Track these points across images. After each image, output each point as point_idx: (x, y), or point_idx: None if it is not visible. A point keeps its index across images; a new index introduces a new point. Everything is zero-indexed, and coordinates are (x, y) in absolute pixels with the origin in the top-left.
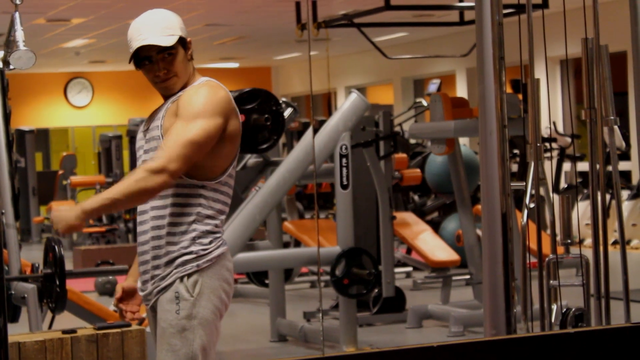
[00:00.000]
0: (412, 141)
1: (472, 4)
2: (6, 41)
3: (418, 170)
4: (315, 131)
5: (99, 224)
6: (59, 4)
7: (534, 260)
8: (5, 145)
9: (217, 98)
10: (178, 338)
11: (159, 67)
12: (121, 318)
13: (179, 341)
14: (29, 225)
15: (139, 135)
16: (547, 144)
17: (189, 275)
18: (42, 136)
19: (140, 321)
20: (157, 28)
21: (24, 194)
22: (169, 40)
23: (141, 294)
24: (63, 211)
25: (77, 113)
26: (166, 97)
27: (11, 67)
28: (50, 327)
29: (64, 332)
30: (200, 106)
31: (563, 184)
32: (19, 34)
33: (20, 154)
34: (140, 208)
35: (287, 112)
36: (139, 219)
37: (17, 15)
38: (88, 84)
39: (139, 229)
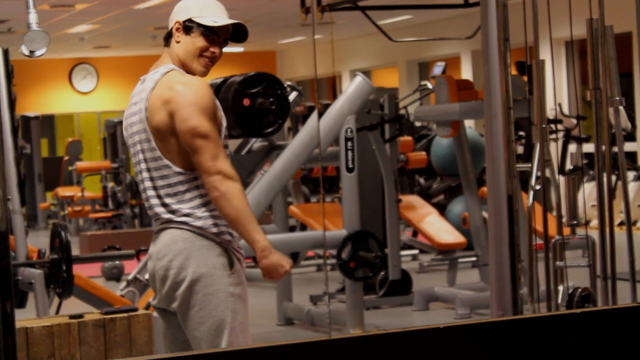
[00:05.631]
0: (418, 124)
1: None
2: None
3: (423, 153)
4: (320, 115)
5: (105, 209)
6: None
7: (540, 241)
8: (11, 132)
9: None
10: None
11: (220, 49)
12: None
13: None
14: (35, 211)
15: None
16: (553, 126)
17: None
18: (48, 122)
19: (147, 305)
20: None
21: (29, 180)
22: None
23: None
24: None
25: (82, 99)
26: None
27: (24, 51)
28: (57, 312)
29: (71, 317)
30: None
31: (569, 166)
32: (32, 16)
33: (25, 140)
34: None
35: (292, 96)
36: None
37: None
38: (93, 70)
39: None
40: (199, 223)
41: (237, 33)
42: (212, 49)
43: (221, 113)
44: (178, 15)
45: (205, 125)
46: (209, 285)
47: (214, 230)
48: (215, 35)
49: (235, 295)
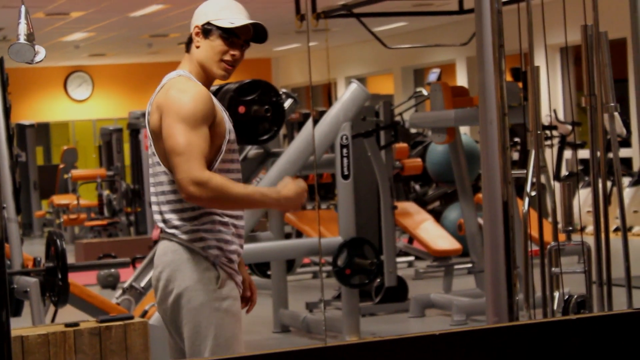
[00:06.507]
0: (413, 131)
1: None
2: None
3: (419, 159)
4: (316, 122)
5: (100, 217)
6: None
7: (535, 248)
8: (6, 140)
9: None
10: None
11: (241, 52)
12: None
13: None
14: (30, 219)
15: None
16: (548, 132)
17: None
18: (43, 130)
19: (143, 313)
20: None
21: (25, 188)
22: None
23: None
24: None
25: (78, 107)
26: (210, 85)
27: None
28: (53, 320)
29: (67, 325)
30: None
31: (564, 172)
32: (22, 27)
33: (21, 148)
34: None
35: (288, 103)
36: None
37: (22, 8)
38: (88, 78)
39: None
40: (186, 236)
41: (257, 34)
42: (232, 52)
43: (226, 124)
44: (197, 19)
45: (182, 140)
46: (193, 299)
47: (201, 244)
48: (235, 37)
49: (221, 310)
